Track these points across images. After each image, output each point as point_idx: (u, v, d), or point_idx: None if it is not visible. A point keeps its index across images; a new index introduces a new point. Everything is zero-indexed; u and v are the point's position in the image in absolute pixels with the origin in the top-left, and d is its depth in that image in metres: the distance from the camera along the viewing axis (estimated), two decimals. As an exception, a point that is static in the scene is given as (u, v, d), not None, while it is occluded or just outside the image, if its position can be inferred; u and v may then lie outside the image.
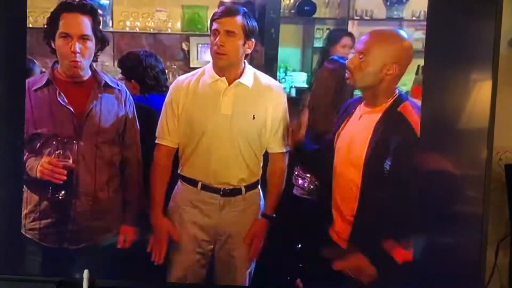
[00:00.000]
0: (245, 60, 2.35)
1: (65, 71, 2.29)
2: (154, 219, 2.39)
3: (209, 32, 2.31)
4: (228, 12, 2.28)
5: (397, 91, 2.22)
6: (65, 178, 2.28)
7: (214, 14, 2.30)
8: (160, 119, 2.38)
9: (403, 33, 2.25)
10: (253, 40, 2.31)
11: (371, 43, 2.19)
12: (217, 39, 2.26)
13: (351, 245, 2.29)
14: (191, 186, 2.38)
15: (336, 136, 2.32)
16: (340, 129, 2.32)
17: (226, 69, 2.32)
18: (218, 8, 2.32)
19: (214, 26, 2.28)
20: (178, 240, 2.39)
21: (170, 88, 2.38)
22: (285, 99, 2.39)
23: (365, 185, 2.22)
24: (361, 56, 2.18)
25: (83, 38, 2.25)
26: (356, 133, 2.26)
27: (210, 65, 2.36)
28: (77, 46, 2.24)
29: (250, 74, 2.35)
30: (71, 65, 2.27)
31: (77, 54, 2.24)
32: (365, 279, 2.26)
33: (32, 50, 2.36)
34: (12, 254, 2.41)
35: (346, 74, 2.24)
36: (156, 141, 2.38)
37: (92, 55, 2.30)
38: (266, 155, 2.41)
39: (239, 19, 2.27)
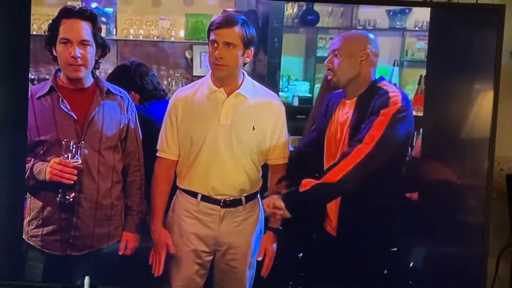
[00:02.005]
0: (244, 71, 2.35)
1: (67, 75, 2.32)
2: (153, 230, 2.41)
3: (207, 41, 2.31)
4: (226, 22, 2.26)
5: (373, 78, 2.34)
6: (75, 178, 2.29)
7: (211, 24, 2.29)
8: (161, 132, 2.39)
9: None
10: (252, 48, 2.30)
11: (340, 41, 2.33)
12: (216, 52, 2.26)
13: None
14: (190, 197, 2.39)
15: (325, 137, 2.39)
16: (327, 129, 2.39)
17: (225, 80, 2.32)
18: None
19: (212, 36, 2.27)
20: (174, 252, 2.39)
21: (170, 100, 2.39)
22: (284, 111, 2.39)
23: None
24: (336, 53, 2.30)
25: (83, 43, 2.27)
26: (342, 122, 2.35)
27: (208, 76, 2.36)
28: (77, 51, 2.26)
29: (249, 85, 2.36)
30: (72, 69, 2.29)
31: (78, 59, 2.27)
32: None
33: (35, 58, 2.39)
34: (15, 260, 2.42)
35: (328, 76, 2.34)
36: (157, 154, 2.40)
37: (93, 61, 2.32)
38: (265, 166, 2.43)
39: (237, 29, 2.25)
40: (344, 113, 2.34)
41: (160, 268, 2.40)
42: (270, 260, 2.42)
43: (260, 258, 2.42)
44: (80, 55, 2.27)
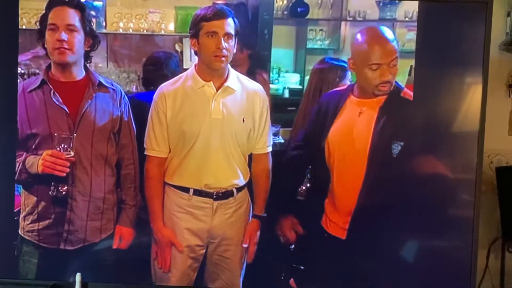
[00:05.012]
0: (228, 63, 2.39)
1: (54, 61, 2.37)
2: (156, 230, 2.45)
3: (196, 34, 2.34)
4: (222, 13, 2.30)
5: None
6: (68, 170, 2.35)
7: (204, 16, 2.30)
8: (147, 130, 2.42)
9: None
10: (236, 39, 2.35)
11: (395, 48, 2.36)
12: (220, 43, 2.29)
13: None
14: (182, 192, 2.44)
15: (328, 134, 2.43)
16: (331, 126, 2.42)
17: (217, 72, 2.36)
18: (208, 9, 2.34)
19: (210, 28, 2.29)
20: (181, 251, 2.45)
21: (155, 96, 2.41)
22: (268, 101, 2.44)
23: (369, 173, 2.37)
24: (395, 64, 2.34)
25: (69, 28, 2.32)
26: (359, 127, 2.39)
27: (192, 70, 2.40)
28: (63, 35, 2.31)
29: (234, 78, 2.40)
30: (58, 52, 2.33)
31: (63, 43, 2.31)
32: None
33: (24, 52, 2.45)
34: (6, 257, 2.48)
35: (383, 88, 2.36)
36: (146, 153, 2.43)
37: (82, 49, 2.37)
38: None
39: (232, 20, 2.31)
40: (358, 112, 2.40)
41: (167, 265, 2.46)
42: (254, 246, 2.49)
43: (246, 245, 2.49)
44: (65, 39, 2.31)
